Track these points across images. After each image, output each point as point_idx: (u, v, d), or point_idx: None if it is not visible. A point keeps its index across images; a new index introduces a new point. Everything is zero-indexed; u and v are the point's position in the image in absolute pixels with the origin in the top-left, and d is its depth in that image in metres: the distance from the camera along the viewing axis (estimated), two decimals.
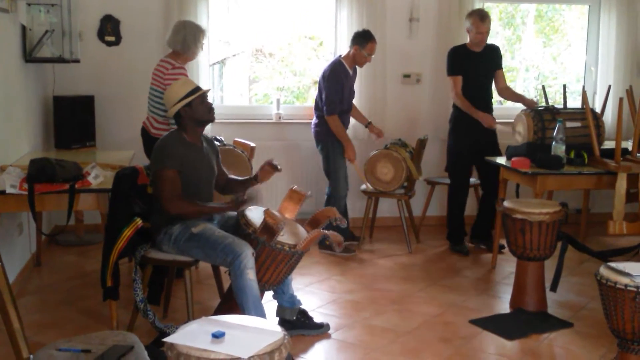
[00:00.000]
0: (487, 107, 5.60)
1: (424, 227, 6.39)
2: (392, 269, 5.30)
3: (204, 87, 3.95)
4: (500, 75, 5.70)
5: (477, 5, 6.25)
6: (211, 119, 3.85)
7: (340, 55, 5.69)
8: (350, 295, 4.70)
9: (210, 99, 3.92)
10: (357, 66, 5.71)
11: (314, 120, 5.72)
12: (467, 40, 5.64)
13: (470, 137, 5.55)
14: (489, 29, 5.49)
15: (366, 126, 5.93)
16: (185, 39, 4.80)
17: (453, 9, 6.31)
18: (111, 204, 3.80)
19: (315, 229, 3.78)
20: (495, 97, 5.95)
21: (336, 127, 5.52)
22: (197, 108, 3.75)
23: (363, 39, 5.52)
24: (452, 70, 5.61)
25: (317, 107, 5.65)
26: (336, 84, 5.49)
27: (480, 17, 5.47)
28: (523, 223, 4.27)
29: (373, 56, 5.69)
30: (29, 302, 4.44)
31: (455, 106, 5.65)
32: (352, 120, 5.88)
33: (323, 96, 5.54)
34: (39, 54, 5.21)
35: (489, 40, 5.65)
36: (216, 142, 4.65)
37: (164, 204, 3.64)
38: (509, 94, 5.75)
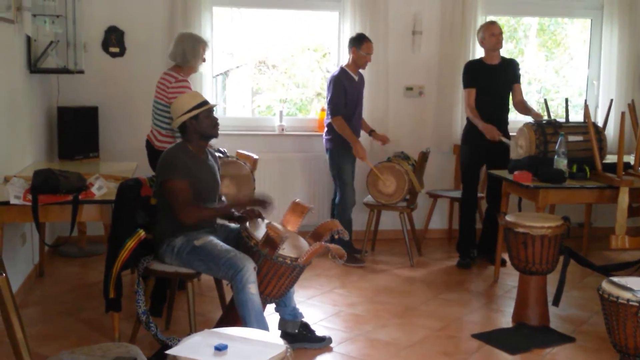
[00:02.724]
0: (502, 120, 5.62)
1: (426, 240, 6.40)
2: (394, 282, 5.30)
3: (208, 100, 3.98)
4: (517, 89, 5.71)
5: (480, 19, 6.28)
6: (215, 135, 3.87)
7: (342, 65, 5.77)
8: (353, 309, 4.69)
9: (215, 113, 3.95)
10: (360, 70, 5.77)
11: (324, 131, 5.80)
12: (479, 54, 5.71)
13: (480, 148, 5.57)
14: (501, 30, 5.58)
15: (369, 134, 5.97)
16: (185, 52, 4.83)
17: (456, 22, 6.33)
18: (114, 216, 3.80)
19: (317, 242, 3.78)
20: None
21: (341, 128, 5.58)
22: (203, 121, 3.78)
23: (358, 41, 5.64)
24: (465, 83, 5.67)
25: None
26: (338, 86, 5.58)
27: (489, 22, 5.66)
28: (525, 237, 4.27)
29: (376, 67, 5.75)
30: (31, 313, 4.43)
31: (468, 118, 5.69)
32: None
33: (327, 100, 5.64)
34: (44, 65, 5.24)
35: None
36: (219, 154, 4.68)
37: (180, 215, 3.65)
38: (522, 108, 5.74)
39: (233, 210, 3.89)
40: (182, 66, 4.86)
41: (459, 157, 6.24)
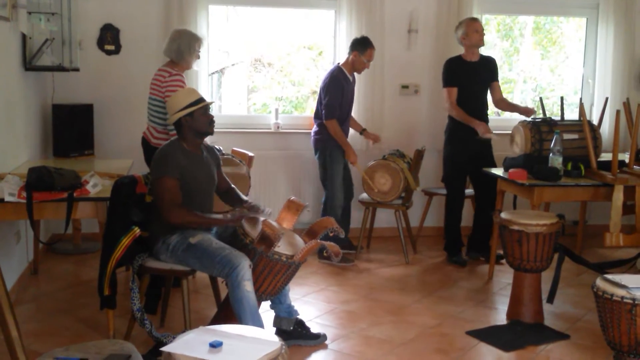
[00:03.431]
0: (482, 118, 5.62)
1: (422, 238, 6.40)
2: (389, 280, 5.31)
3: (204, 97, 3.97)
4: (496, 87, 5.74)
5: (476, 16, 6.28)
6: (210, 132, 3.86)
7: (338, 63, 5.75)
8: (347, 306, 4.70)
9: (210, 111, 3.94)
10: (355, 73, 5.75)
11: (314, 128, 5.76)
12: (462, 51, 5.68)
13: (466, 148, 5.57)
14: (483, 27, 5.57)
15: (361, 133, 5.97)
16: (180, 48, 4.82)
17: (451, 21, 6.32)
18: (109, 213, 3.80)
19: (312, 240, 3.78)
20: (492, 108, 5.98)
21: (335, 131, 5.56)
22: (199, 119, 3.77)
23: (362, 45, 5.59)
24: (447, 81, 5.64)
25: (317, 116, 5.70)
26: (336, 88, 5.55)
27: (471, 19, 5.65)
28: (520, 234, 4.27)
29: (371, 65, 5.74)
30: (26, 310, 4.43)
31: (450, 117, 5.67)
32: (350, 130, 5.90)
33: (323, 102, 5.59)
34: (39, 62, 5.22)
35: (487, 52, 5.69)
36: None
37: (164, 213, 3.64)
38: (505, 105, 5.79)
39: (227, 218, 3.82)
40: (176, 62, 4.86)
41: None
